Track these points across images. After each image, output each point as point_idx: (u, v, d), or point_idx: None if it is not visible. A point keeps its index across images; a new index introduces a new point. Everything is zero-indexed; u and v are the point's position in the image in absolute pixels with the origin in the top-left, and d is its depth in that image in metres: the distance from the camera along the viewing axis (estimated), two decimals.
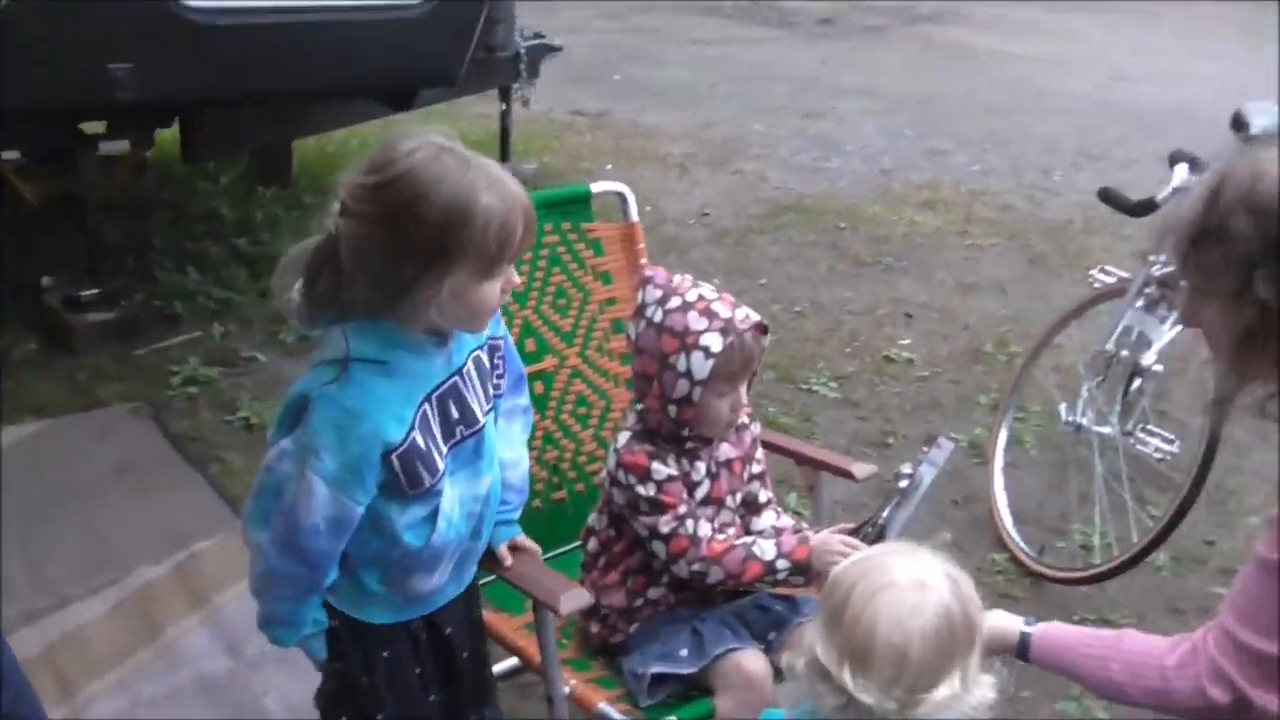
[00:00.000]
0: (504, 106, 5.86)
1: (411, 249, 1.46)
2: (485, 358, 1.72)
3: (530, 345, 2.34)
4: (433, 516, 1.63)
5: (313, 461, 1.52)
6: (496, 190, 1.49)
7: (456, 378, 1.64)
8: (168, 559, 2.97)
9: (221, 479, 3.35)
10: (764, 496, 2.22)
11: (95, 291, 4.18)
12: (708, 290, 2.00)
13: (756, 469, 2.20)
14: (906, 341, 4.47)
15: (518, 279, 1.62)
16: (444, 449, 1.63)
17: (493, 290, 1.54)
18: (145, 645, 2.68)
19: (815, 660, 1.31)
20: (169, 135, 4.49)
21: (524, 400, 1.95)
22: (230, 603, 2.83)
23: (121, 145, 4.10)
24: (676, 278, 2.02)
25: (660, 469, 2.00)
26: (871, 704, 1.26)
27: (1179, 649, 1.46)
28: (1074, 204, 6.16)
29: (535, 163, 6.14)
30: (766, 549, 2.01)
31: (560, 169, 6.12)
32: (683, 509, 2.01)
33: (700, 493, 2.06)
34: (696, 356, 1.93)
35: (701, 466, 2.07)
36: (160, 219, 5.08)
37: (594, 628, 2.12)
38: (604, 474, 2.10)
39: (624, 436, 2.05)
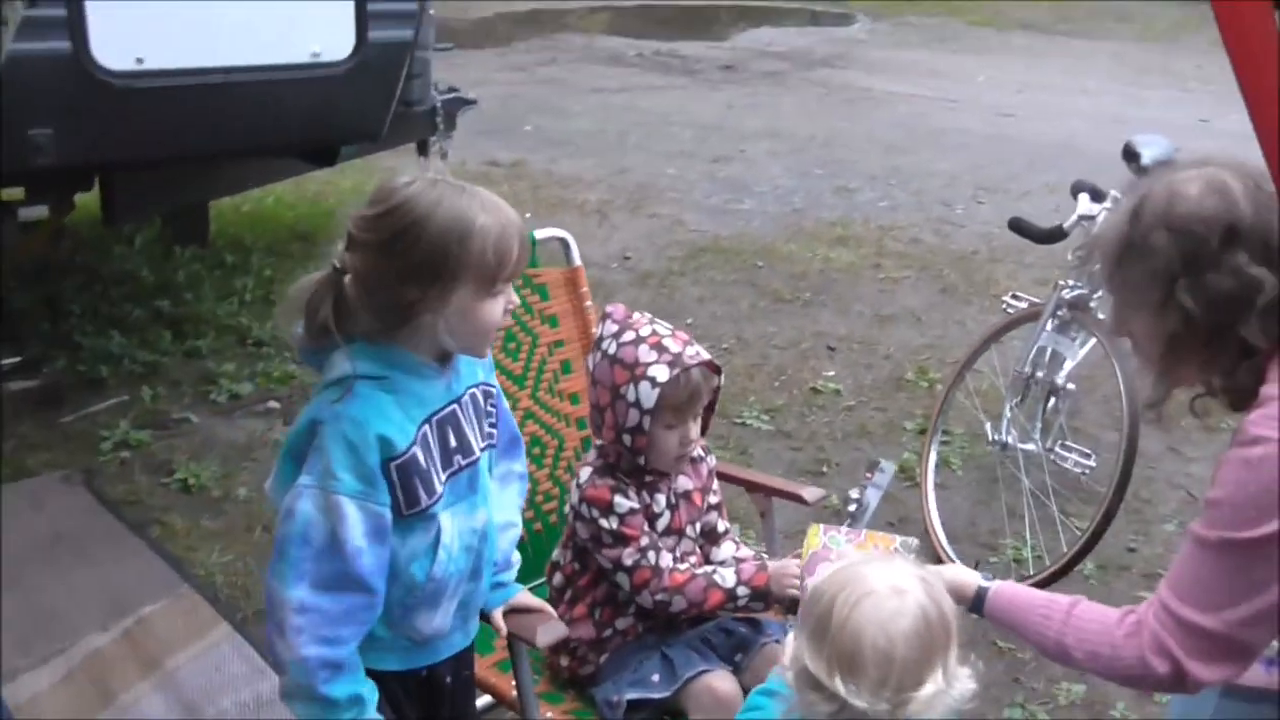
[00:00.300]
0: (422, 159, 5.92)
1: (414, 271, 1.53)
2: (480, 398, 1.77)
3: None
4: (433, 547, 1.66)
5: (333, 485, 1.54)
6: (491, 212, 1.56)
7: (455, 406, 1.69)
8: (115, 625, 2.93)
9: (163, 542, 3.32)
10: (722, 526, 2.30)
11: (16, 359, 4.11)
12: (662, 327, 2.08)
13: (714, 500, 2.28)
14: (831, 373, 4.61)
15: (516, 299, 1.68)
16: (443, 475, 1.67)
17: (495, 308, 1.61)
18: (99, 713, 2.64)
19: (804, 671, 1.38)
20: (84, 198, 4.44)
21: (520, 466, 1.99)
22: (184, 665, 2.80)
23: (40, 211, 4.05)
24: (635, 315, 2.10)
25: (622, 502, 2.07)
26: (865, 708, 1.33)
27: (1126, 622, 1.56)
28: (977, 235, 6.41)
29: None
30: (727, 577, 2.09)
31: None
32: (644, 541, 2.07)
33: (661, 524, 2.13)
34: (644, 386, 2.00)
35: (661, 498, 2.14)
36: (76, 283, 5.01)
37: (563, 661, 2.16)
38: (567, 509, 2.16)
39: (586, 472, 2.12)
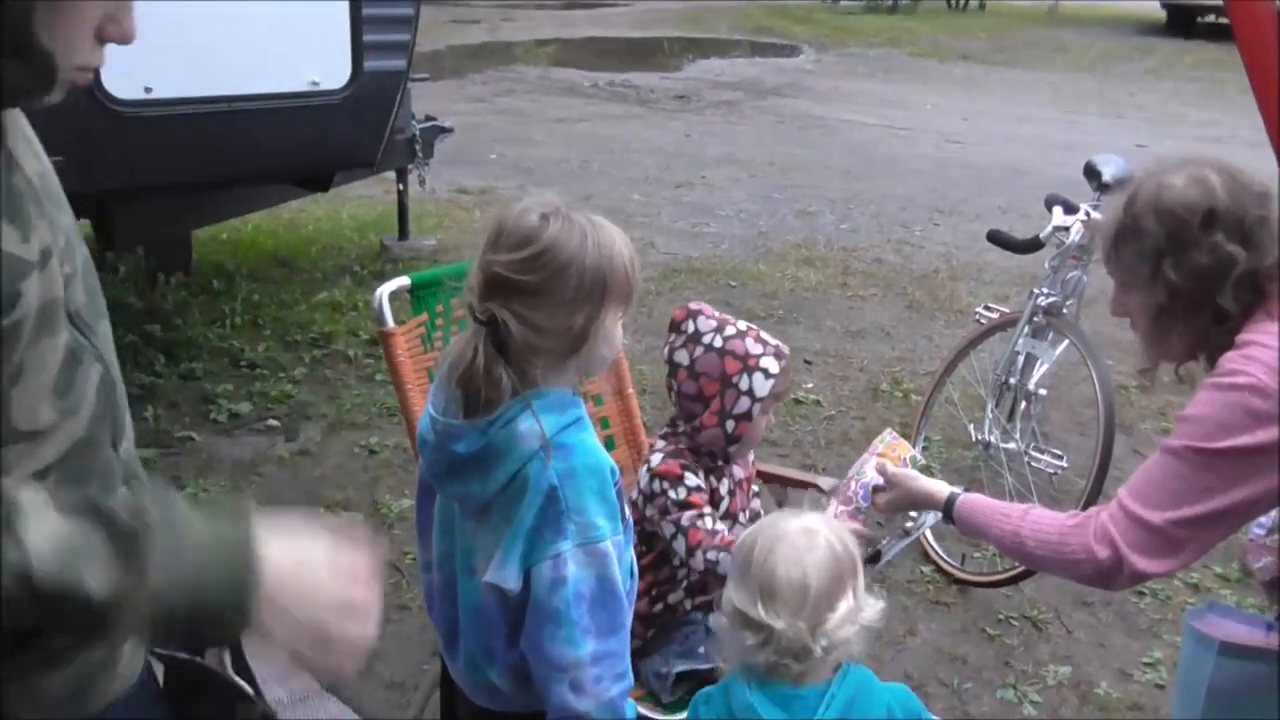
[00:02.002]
0: (401, 186, 6.05)
1: (583, 295, 1.59)
2: None
3: None
4: (628, 558, 1.75)
5: (595, 535, 1.59)
6: (619, 238, 1.65)
7: None
8: None
9: None
10: (762, 511, 2.48)
11: None
12: (748, 323, 2.30)
13: (756, 488, 2.47)
14: (810, 385, 4.81)
15: None
16: None
17: (620, 325, 1.69)
18: None
19: (734, 611, 1.58)
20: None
21: None
22: None
23: None
24: (717, 312, 2.28)
25: (691, 478, 2.23)
26: (784, 628, 1.53)
27: (1075, 518, 1.81)
28: (937, 255, 6.68)
29: (433, 239, 6.33)
30: None
31: (456, 244, 6.32)
32: (706, 509, 2.23)
33: (722, 508, 2.31)
34: (758, 377, 2.20)
35: (724, 485, 2.31)
36: None
37: None
38: (634, 494, 2.29)
39: (657, 456, 2.27)
